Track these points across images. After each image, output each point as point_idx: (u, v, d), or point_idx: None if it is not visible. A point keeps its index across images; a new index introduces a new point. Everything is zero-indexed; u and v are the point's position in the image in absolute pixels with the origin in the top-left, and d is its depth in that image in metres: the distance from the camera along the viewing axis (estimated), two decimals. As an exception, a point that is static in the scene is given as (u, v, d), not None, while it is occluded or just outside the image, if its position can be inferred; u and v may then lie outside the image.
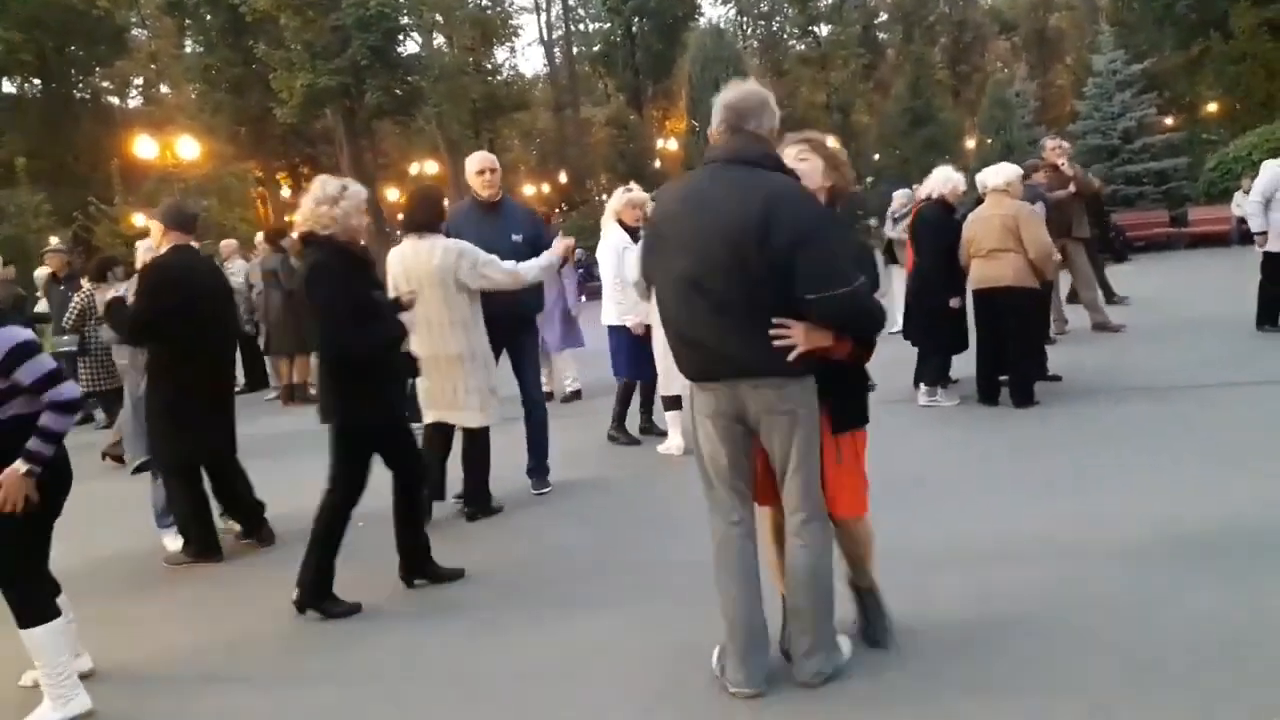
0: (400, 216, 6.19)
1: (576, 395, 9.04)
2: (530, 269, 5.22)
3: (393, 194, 34.47)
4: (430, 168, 33.65)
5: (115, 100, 41.32)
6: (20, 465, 3.18)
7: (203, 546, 5.16)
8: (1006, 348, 6.93)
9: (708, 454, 3.10)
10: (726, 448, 3.05)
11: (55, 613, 3.35)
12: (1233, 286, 10.03)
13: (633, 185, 7.04)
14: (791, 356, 2.87)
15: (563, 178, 40.40)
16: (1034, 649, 3.19)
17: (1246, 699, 2.79)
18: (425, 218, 5.08)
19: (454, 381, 5.09)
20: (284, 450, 7.40)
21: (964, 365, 7.28)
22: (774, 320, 2.86)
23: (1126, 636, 3.23)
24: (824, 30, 39.01)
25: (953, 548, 3.55)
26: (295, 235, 4.61)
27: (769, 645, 3.14)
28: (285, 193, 43.56)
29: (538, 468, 5.89)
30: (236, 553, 5.33)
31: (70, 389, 3.30)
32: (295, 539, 5.36)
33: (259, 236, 11.70)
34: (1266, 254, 8.50)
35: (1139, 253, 17.29)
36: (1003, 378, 7.02)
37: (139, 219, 27.85)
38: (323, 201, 4.01)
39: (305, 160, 44.05)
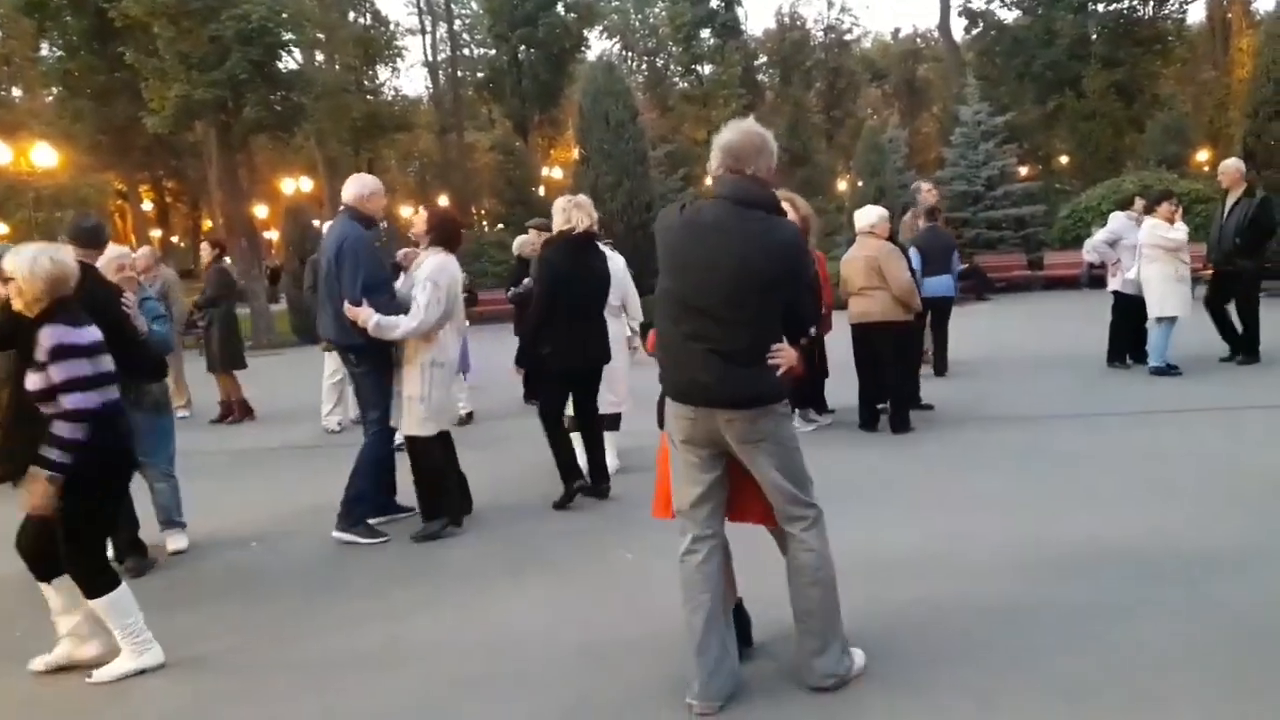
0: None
1: (469, 418, 8.98)
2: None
3: (262, 211, 33.30)
4: (305, 185, 32.78)
5: (-40, 103, 38.69)
6: (39, 472, 3.36)
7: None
8: (883, 377, 7.30)
9: (677, 479, 3.21)
10: (694, 473, 3.15)
11: (118, 581, 3.64)
12: (1085, 326, 10.77)
13: None
14: (780, 372, 3.05)
15: (444, 200, 39.99)
16: (921, 649, 3.44)
17: (1117, 686, 3.06)
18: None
19: None
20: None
21: (847, 395, 7.61)
22: (773, 347, 3.03)
23: (1002, 638, 3.50)
24: (706, 70, 39.91)
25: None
26: (583, 232, 5.59)
27: (730, 660, 3.18)
28: (147, 206, 41.56)
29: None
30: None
31: (77, 399, 3.39)
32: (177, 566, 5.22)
33: (204, 247, 10.79)
34: (1115, 294, 9.20)
35: (999, 293, 18.32)
36: (881, 406, 7.40)
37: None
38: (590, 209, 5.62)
39: (170, 173, 42.21)
